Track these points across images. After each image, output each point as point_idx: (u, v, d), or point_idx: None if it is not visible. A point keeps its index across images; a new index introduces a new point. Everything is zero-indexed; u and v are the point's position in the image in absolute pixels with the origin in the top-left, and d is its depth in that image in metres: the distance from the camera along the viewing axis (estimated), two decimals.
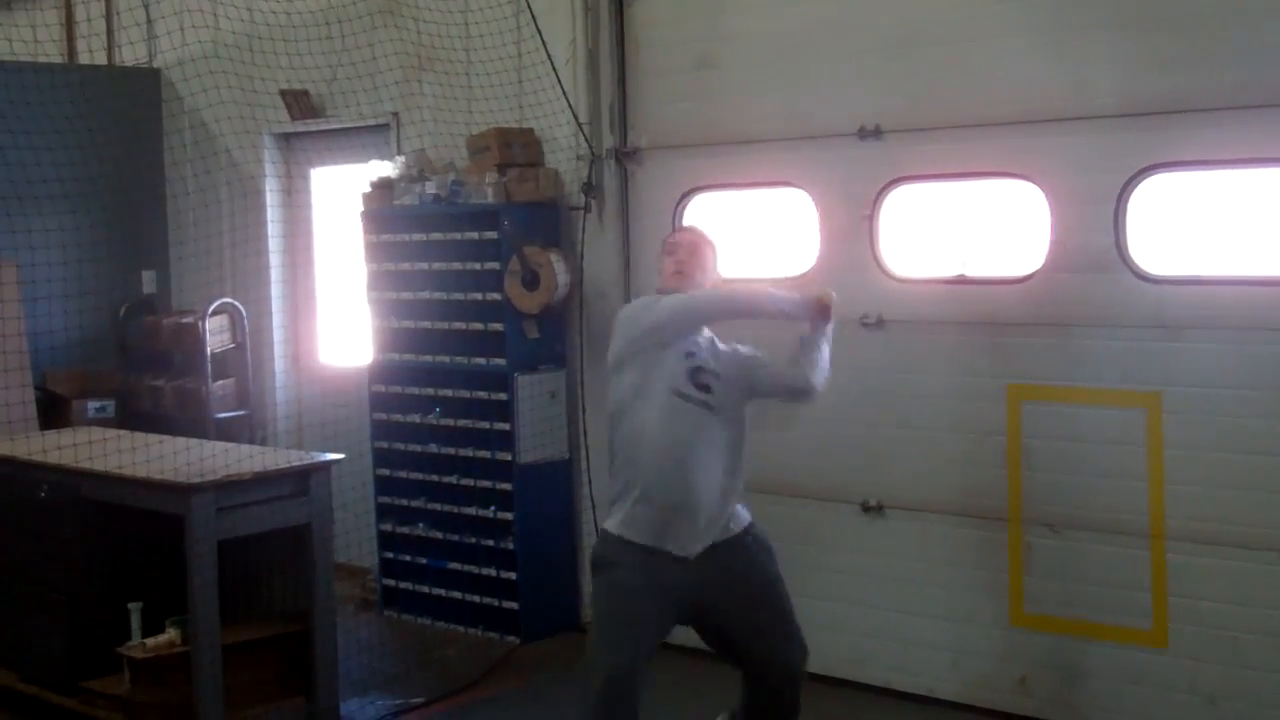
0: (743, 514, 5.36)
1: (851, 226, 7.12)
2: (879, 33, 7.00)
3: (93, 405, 9.94)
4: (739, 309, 5.48)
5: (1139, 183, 6.28)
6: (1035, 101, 6.51)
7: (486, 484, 8.23)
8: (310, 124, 9.67)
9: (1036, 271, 6.61)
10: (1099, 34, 6.36)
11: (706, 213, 7.76)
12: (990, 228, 6.94)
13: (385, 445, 8.72)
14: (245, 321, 10.04)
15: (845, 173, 7.14)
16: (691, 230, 5.87)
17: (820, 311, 5.36)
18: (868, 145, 7.04)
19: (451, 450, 8.38)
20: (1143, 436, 6.29)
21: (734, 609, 5.30)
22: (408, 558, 8.68)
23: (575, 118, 8.06)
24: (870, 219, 7.07)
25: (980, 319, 6.75)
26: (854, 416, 7.13)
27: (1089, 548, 6.48)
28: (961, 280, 6.88)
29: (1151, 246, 6.33)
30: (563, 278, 7.96)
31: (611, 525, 5.24)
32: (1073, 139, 6.42)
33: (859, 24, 7.08)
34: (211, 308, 9.95)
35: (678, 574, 5.16)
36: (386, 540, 8.79)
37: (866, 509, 7.16)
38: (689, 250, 5.46)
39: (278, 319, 10.15)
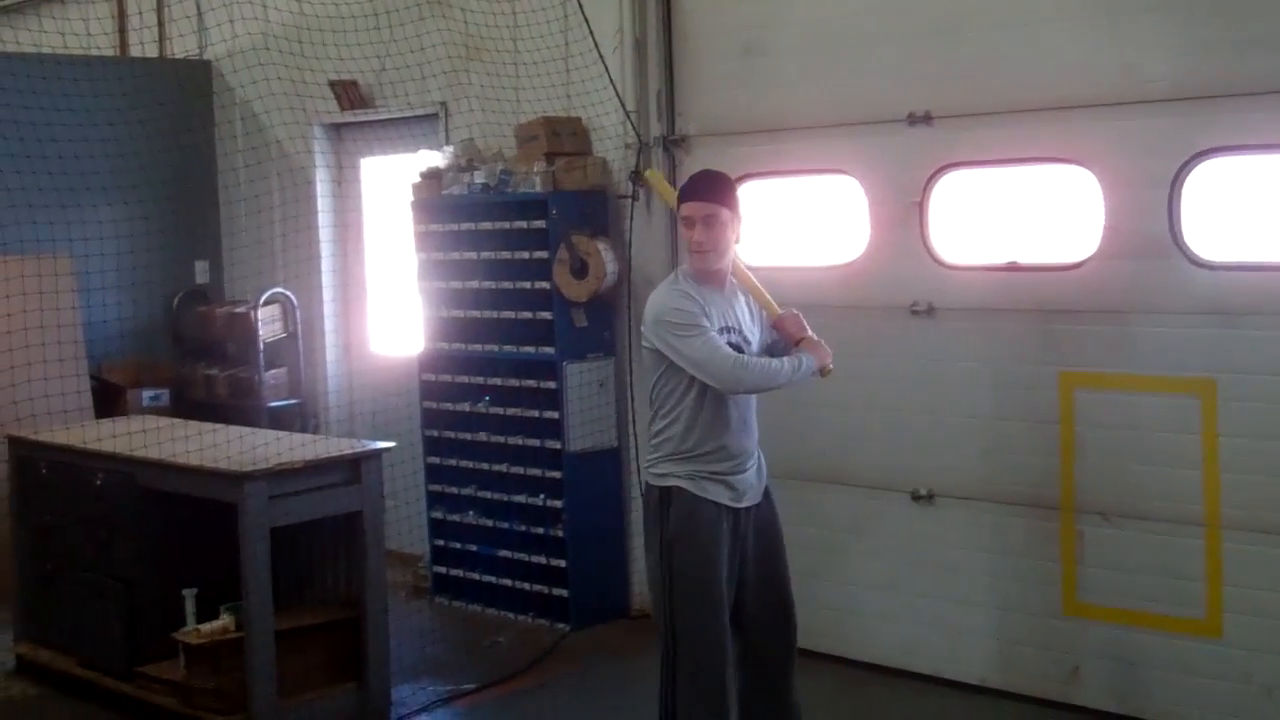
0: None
1: (901, 213, 7.08)
2: (928, 17, 6.95)
3: (147, 394, 10.05)
4: (750, 390, 5.26)
5: (1193, 167, 6.20)
6: (1087, 86, 6.45)
7: (536, 472, 8.25)
8: (359, 114, 9.71)
9: (1089, 258, 6.55)
10: (1151, 17, 6.28)
11: (755, 199, 7.74)
12: (1042, 214, 6.88)
13: (435, 433, 8.75)
14: (297, 311, 10.10)
15: (895, 159, 7.10)
16: (704, 191, 5.29)
17: (819, 373, 5.35)
18: (917, 131, 7.00)
19: (501, 438, 8.40)
20: (1197, 424, 6.22)
21: (761, 554, 5.38)
22: (458, 545, 8.71)
23: (623, 106, 8.06)
24: (920, 205, 7.03)
25: (1032, 306, 6.70)
26: (904, 405, 7.11)
27: (1142, 536, 6.42)
28: (1013, 267, 6.82)
29: (1206, 232, 6.25)
30: (611, 266, 7.96)
31: (697, 488, 5.19)
32: (1126, 123, 6.35)
33: (908, 8, 7.04)
34: (264, 297, 10.02)
35: (738, 525, 5.26)
36: (437, 528, 8.83)
37: (917, 498, 7.13)
38: (705, 226, 5.21)
39: (329, 308, 10.21)
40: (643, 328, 5.37)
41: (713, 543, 5.17)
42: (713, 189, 5.30)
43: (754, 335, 5.41)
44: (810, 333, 5.39)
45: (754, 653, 5.36)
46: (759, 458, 5.40)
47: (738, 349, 5.26)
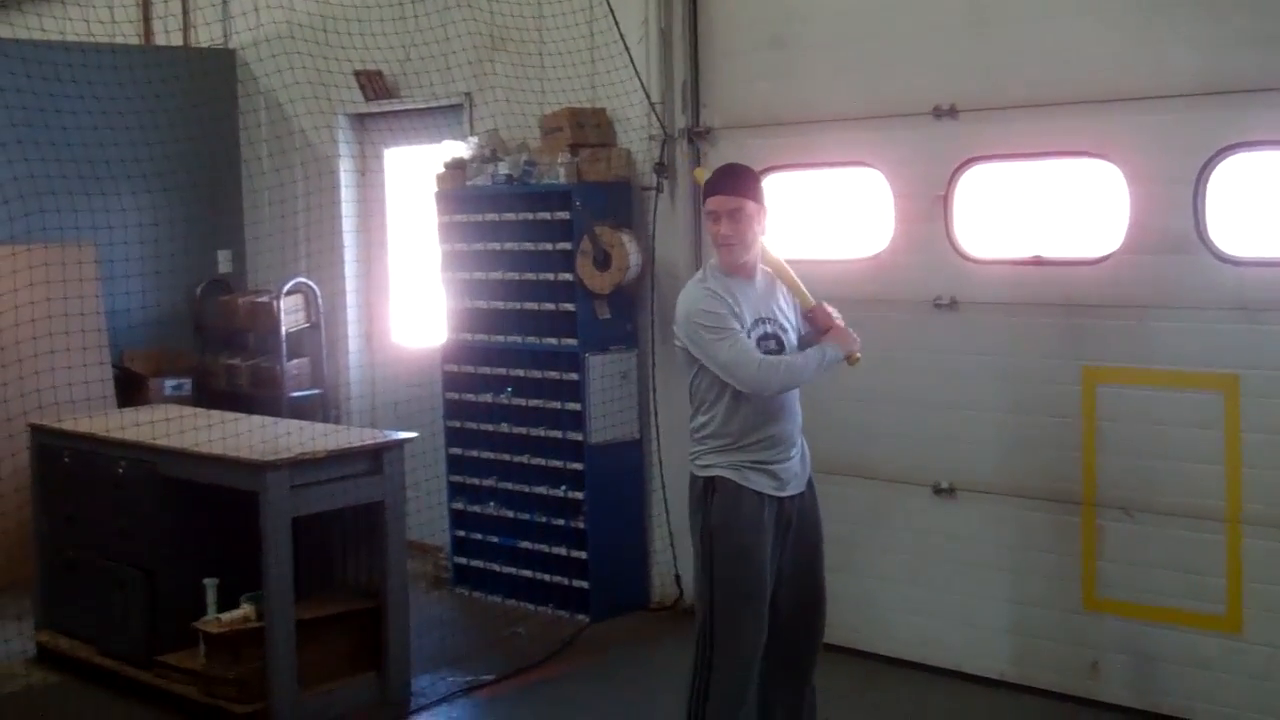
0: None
1: (926, 207, 7.06)
2: (954, 10, 6.93)
3: (169, 384, 10.07)
4: (779, 390, 5.23)
5: (1219, 162, 6.17)
6: (1113, 80, 6.42)
7: (557, 464, 8.26)
8: (384, 104, 9.72)
9: (1113, 253, 6.52)
10: (1178, 11, 6.25)
11: (780, 192, 7.72)
12: (1066, 208, 6.85)
13: (457, 424, 8.76)
14: (320, 301, 10.12)
15: (920, 152, 7.07)
16: (728, 185, 5.29)
17: (847, 360, 5.37)
18: (943, 125, 6.98)
19: (523, 430, 8.41)
20: (1220, 420, 6.20)
21: (800, 544, 5.39)
22: (479, 536, 8.73)
23: (648, 97, 8.05)
24: (945, 199, 7.01)
25: (1056, 300, 6.68)
26: (926, 398, 7.09)
27: (1163, 532, 6.40)
28: (1037, 261, 6.80)
29: (1232, 227, 6.22)
30: (634, 258, 7.96)
31: (741, 479, 5.19)
32: (1151, 118, 6.32)
33: (934, 1, 7.01)
34: (286, 287, 10.03)
35: (781, 514, 5.27)
36: (458, 518, 8.84)
37: (938, 491, 7.11)
38: (731, 218, 5.21)
39: (352, 299, 10.22)
40: (674, 327, 5.38)
41: (754, 533, 5.18)
42: (737, 182, 5.30)
43: (790, 323, 5.43)
44: (840, 322, 5.39)
45: (779, 639, 5.35)
46: (802, 445, 5.41)
47: (775, 339, 5.29)
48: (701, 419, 5.28)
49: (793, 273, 5.48)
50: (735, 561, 5.16)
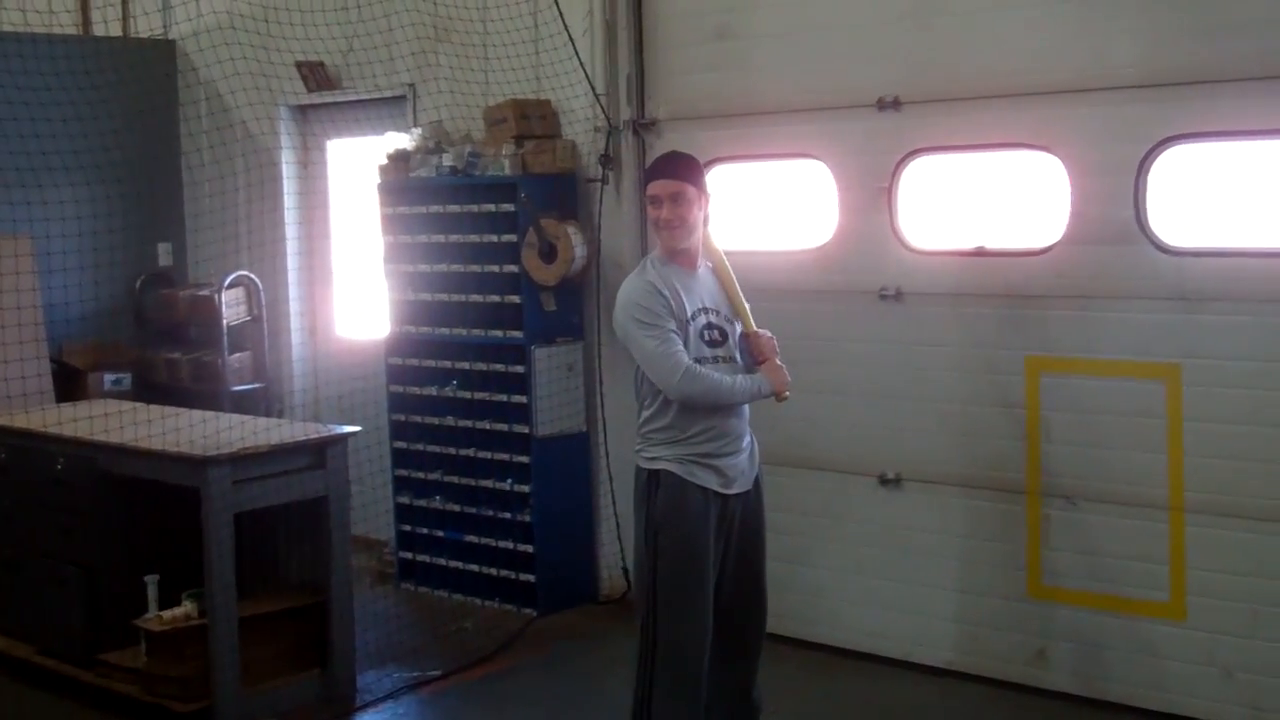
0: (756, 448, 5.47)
1: (870, 198, 7.08)
2: (898, 3, 6.95)
3: (109, 378, 9.96)
4: (699, 405, 5.15)
5: (1159, 154, 6.22)
6: (1055, 72, 6.46)
7: (504, 457, 8.23)
8: (326, 96, 9.64)
9: (1056, 243, 6.56)
10: (1119, 4, 6.29)
11: (724, 184, 7.72)
12: (1009, 199, 6.89)
13: (402, 418, 8.71)
14: (262, 294, 10.03)
15: (864, 144, 7.09)
16: (668, 170, 5.30)
17: (775, 397, 5.31)
18: (886, 116, 6.99)
19: (469, 423, 8.37)
20: (1162, 409, 6.25)
21: (743, 543, 5.35)
22: (425, 530, 8.68)
23: (592, 89, 8.02)
24: (889, 190, 7.03)
25: (999, 291, 6.71)
26: (872, 389, 7.11)
27: (1107, 520, 6.45)
28: (980, 252, 6.83)
29: (1172, 218, 6.27)
30: (580, 250, 7.93)
31: (686, 473, 5.15)
32: (1093, 110, 6.36)
33: None
34: (228, 280, 9.94)
35: (725, 511, 5.24)
36: (403, 513, 8.79)
37: (884, 481, 7.14)
38: (673, 201, 5.20)
39: (294, 291, 10.15)
40: (614, 319, 5.34)
41: (698, 529, 5.15)
42: (677, 167, 5.30)
43: (731, 322, 5.38)
44: (777, 357, 5.33)
45: (721, 637, 5.32)
46: (752, 442, 5.38)
47: (720, 330, 5.27)
48: (647, 413, 5.25)
49: (740, 292, 5.43)
50: (678, 556, 5.13)
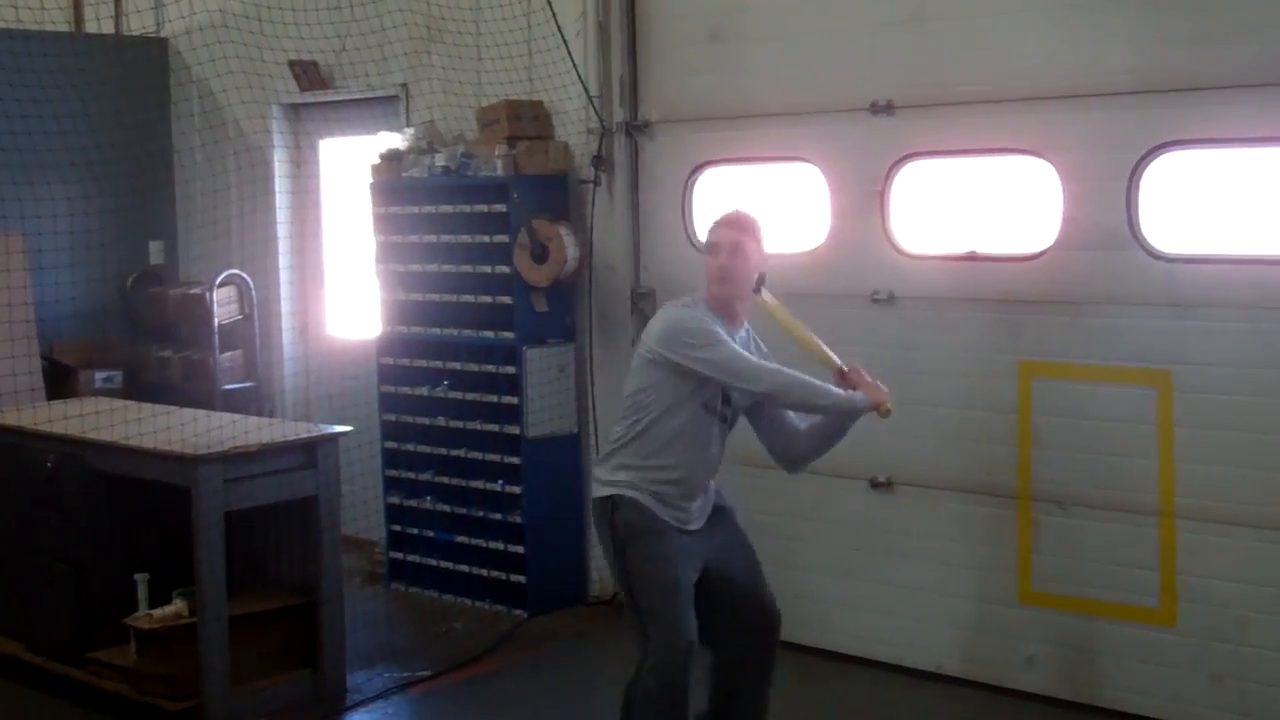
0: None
1: (863, 202, 7.09)
2: (892, 7, 6.95)
3: (100, 376, 9.93)
4: (794, 401, 5.22)
5: (1152, 160, 6.24)
6: (1048, 78, 6.47)
7: (494, 457, 8.22)
8: (319, 95, 9.63)
9: (1048, 249, 6.57)
10: (1113, 10, 6.30)
11: (717, 187, 7.73)
12: (1002, 204, 6.90)
13: (393, 418, 8.71)
14: (253, 293, 10.02)
15: (857, 148, 7.10)
16: (734, 222, 5.34)
17: (877, 412, 5.23)
18: (880, 120, 7.00)
19: (459, 423, 8.36)
20: (1153, 415, 6.26)
21: (731, 556, 5.36)
22: (415, 531, 8.68)
23: (585, 90, 8.02)
24: (882, 195, 7.04)
25: (991, 296, 6.72)
26: None
27: (1098, 525, 6.46)
28: (973, 257, 6.84)
29: (1164, 224, 6.29)
30: (572, 251, 7.93)
31: (642, 498, 5.17)
32: (1086, 116, 6.38)
33: None
34: (219, 279, 9.93)
35: (690, 543, 5.23)
36: (394, 513, 8.78)
37: (875, 485, 7.14)
38: (731, 252, 5.21)
39: (286, 290, 10.13)
40: (647, 341, 5.25)
41: (662, 536, 5.16)
42: (744, 221, 5.34)
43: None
44: (869, 379, 5.28)
45: (731, 663, 5.35)
46: (709, 489, 5.38)
47: (729, 394, 5.25)
48: (623, 426, 5.26)
49: (813, 335, 5.42)
50: (651, 564, 5.14)
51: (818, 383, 5.18)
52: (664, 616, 5.11)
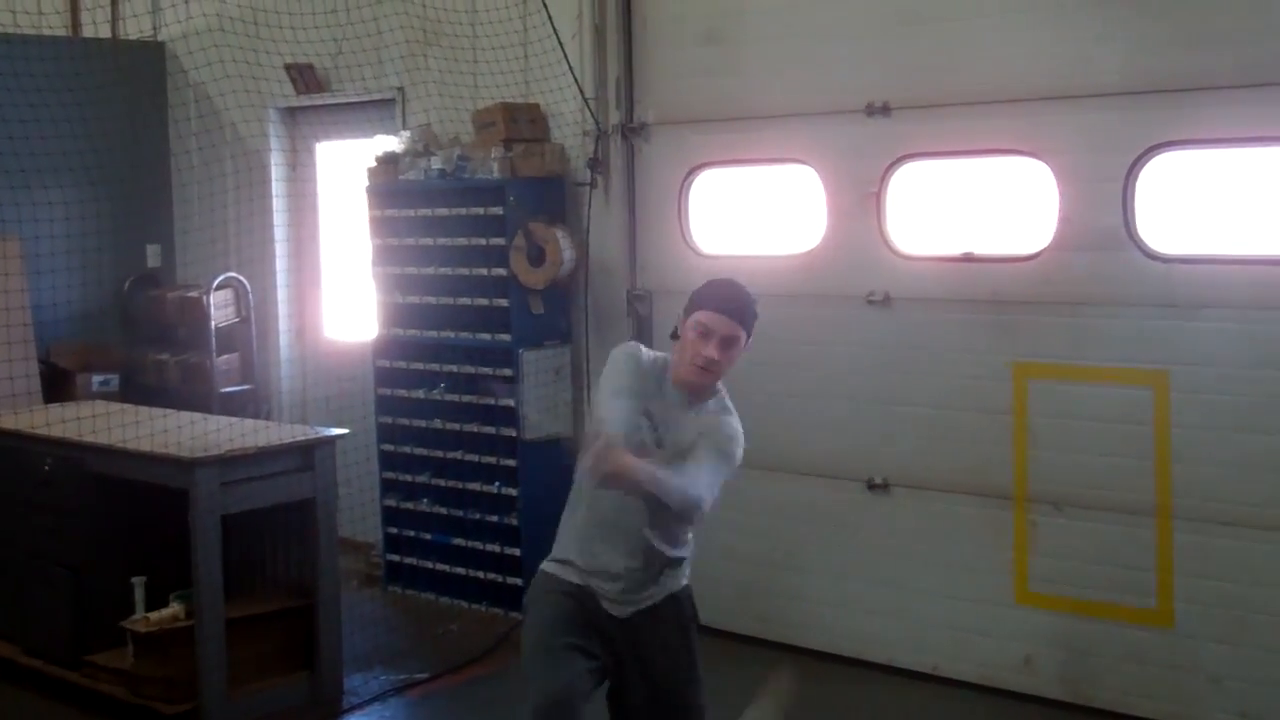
0: (674, 582, 4.68)
1: (858, 203, 7.09)
2: (887, 9, 6.96)
3: (97, 379, 9.93)
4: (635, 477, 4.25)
5: (1147, 161, 6.24)
6: (1044, 79, 6.47)
7: (491, 460, 8.22)
8: (315, 98, 9.63)
9: (1044, 250, 6.58)
10: (1108, 11, 6.31)
11: (713, 188, 7.74)
12: (997, 206, 6.90)
13: (390, 420, 8.70)
14: (250, 296, 10.02)
15: (852, 149, 7.10)
16: (736, 310, 4.50)
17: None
18: (875, 122, 7.00)
19: (456, 426, 8.36)
20: (1150, 415, 6.27)
21: (641, 687, 4.62)
22: (412, 533, 8.67)
23: (581, 92, 8.02)
24: (877, 196, 7.04)
25: (987, 297, 6.73)
26: (859, 394, 7.12)
27: (1094, 526, 6.46)
28: (968, 258, 6.84)
29: (1160, 225, 6.29)
30: (568, 253, 7.93)
31: (548, 566, 4.70)
32: (1081, 117, 6.38)
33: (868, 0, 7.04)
34: (216, 282, 9.93)
35: (608, 621, 4.58)
36: (391, 515, 8.78)
37: (872, 486, 7.14)
38: (724, 345, 4.46)
39: (282, 293, 10.13)
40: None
41: (550, 604, 4.58)
42: (744, 309, 4.53)
43: (670, 446, 4.48)
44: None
45: None
46: (653, 584, 4.60)
47: (641, 442, 4.42)
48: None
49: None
50: (533, 635, 4.58)
51: (658, 473, 4.28)
52: (539, 672, 4.53)
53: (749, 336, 4.56)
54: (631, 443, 4.32)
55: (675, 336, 4.58)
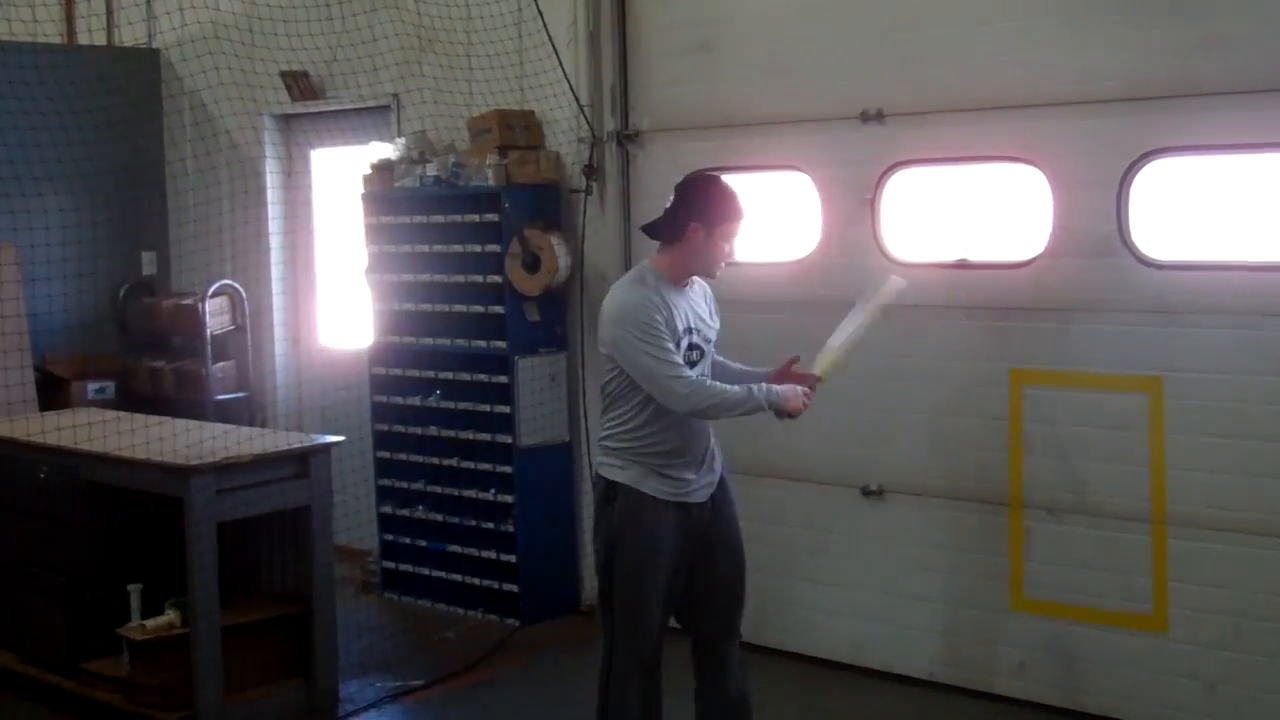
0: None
1: (853, 210, 7.10)
2: (881, 15, 6.97)
3: (92, 387, 9.93)
4: (704, 416, 5.25)
5: (1141, 167, 6.25)
6: (1037, 85, 6.48)
7: (487, 467, 8.22)
8: (310, 105, 9.64)
9: (1038, 256, 6.59)
10: (1102, 17, 6.32)
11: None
12: (992, 212, 6.91)
13: (385, 428, 8.71)
14: (245, 303, 10.02)
15: (847, 156, 7.11)
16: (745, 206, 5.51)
17: (781, 411, 5.27)
18: (870, 129, 7.02)
19: (452, 433, 8.37)
20: (1144, 421, 6.27)
21: (718, 557, 5.43)
22: (408, 540, 8.67)
23: (576, 100, 8.04)
24: (872, 203, 7.05)
25: (982, 303, 6.74)
26: (855, 400, 7.11)
27: (1089, 532, 6.47)
28: (963, 265, 6.85)
29: (1154, 231, 6.30)
30: (563, 260, 7.94)
31: (643, 483, 5.21)
32: (1075, 123, 6.39)
33: (861, 6, 7.05)
34: (211, 289, 9.93)
35: (690, 520, 5.29)
36: (386, 522, 8.78)
37: (867, 493, 7.15)
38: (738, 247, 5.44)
39: (278, 301, 10.13)
40: (600, 326, 5.31)
41: (654, 541, 5.21)
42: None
43: (712, 333, 5.45)
44: (806, 400, 5.35)
45: (699, 637, 5.47)
46: (712, 453, 5.41)
47: (699, 350, 5.31)
48: (610, 417, 5.31)
49: (841, 349, 5.63)
50: (632, 567, 5.22)
51: (730, 394, 5.15)
52: (635, 622, 5.25)
53: None
54: (691, 359, 5.21)
55: (677, 239, 5.28)
